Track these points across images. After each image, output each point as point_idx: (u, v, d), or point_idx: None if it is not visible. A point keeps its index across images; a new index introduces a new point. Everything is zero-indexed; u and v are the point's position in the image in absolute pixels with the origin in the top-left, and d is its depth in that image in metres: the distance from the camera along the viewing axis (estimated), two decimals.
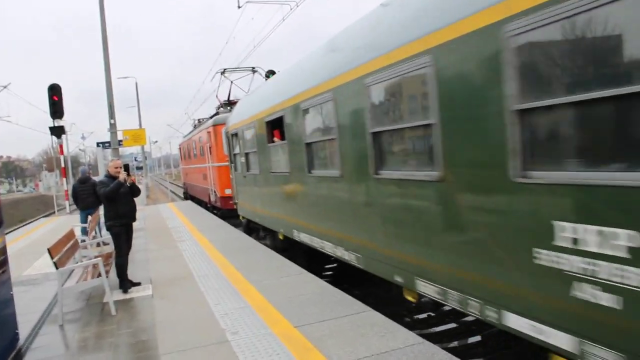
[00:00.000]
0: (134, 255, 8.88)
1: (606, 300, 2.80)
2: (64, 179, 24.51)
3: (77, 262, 7.83)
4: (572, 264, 2.98)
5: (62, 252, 6.48)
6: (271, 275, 7.22)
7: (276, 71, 16.22)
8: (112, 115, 15.53)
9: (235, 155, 12.32)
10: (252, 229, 12.13)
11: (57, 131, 20.17)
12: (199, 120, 25.21)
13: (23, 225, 24.87)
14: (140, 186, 8.87)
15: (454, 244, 4.10)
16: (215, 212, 17.95)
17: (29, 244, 13.36)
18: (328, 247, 6.84)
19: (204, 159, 19.48)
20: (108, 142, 18.65)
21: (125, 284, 7.14)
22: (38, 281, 8.50)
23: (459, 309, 4.11)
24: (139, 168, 48.81)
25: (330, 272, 8.96)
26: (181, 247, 10.32)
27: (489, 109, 3.50)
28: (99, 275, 6.30)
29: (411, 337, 4.48)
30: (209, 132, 17.86)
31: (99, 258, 6.75)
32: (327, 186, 6.69)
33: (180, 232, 12.60)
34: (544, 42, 3.05)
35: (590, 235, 2.86)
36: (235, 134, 11.72)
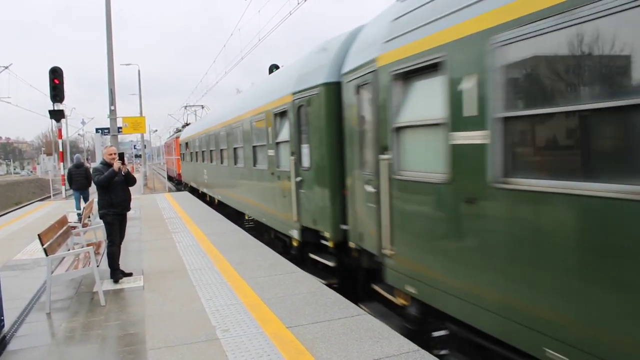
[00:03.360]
0: (127, 245, 8.75)
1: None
2: (62, 164, 24.33)
3: (69, 250, 7.71)
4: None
5: (53, 238, 6.34)
6: (265, 272, 7.11)
7: (280, 66, 19.57)
8: (112, 101, 15.32)
9: (182, 153, 28.19)
10: (185, 185, 27.67)
11: (57, 115, 20.01)
12: (177, 128, 40.39)
13: (18, 208, 24.73)
14: (137, 174, 8.97)
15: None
16: (175, 182, 35.13)
17: (23, 228, 13.22)
18: (195, 185, 23.03)
19: (172, 154, 36.61)
20: (107, 129, 18.49)
21: (117, 274, 7.01)
22: (28, 266, 8.37)
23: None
24: (138, 156, 48.57)
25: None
26: (175, 239, 10.19)
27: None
28: (90, 263, 6.17)
29: (406, 344, 4.36)
30: (175, 140, 34.60)
31: (91, 247, 6.62)
32: (201, 167, 19.81)
33: (175, 224, 12.47)
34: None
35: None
36: (181, 144, 28.27)
